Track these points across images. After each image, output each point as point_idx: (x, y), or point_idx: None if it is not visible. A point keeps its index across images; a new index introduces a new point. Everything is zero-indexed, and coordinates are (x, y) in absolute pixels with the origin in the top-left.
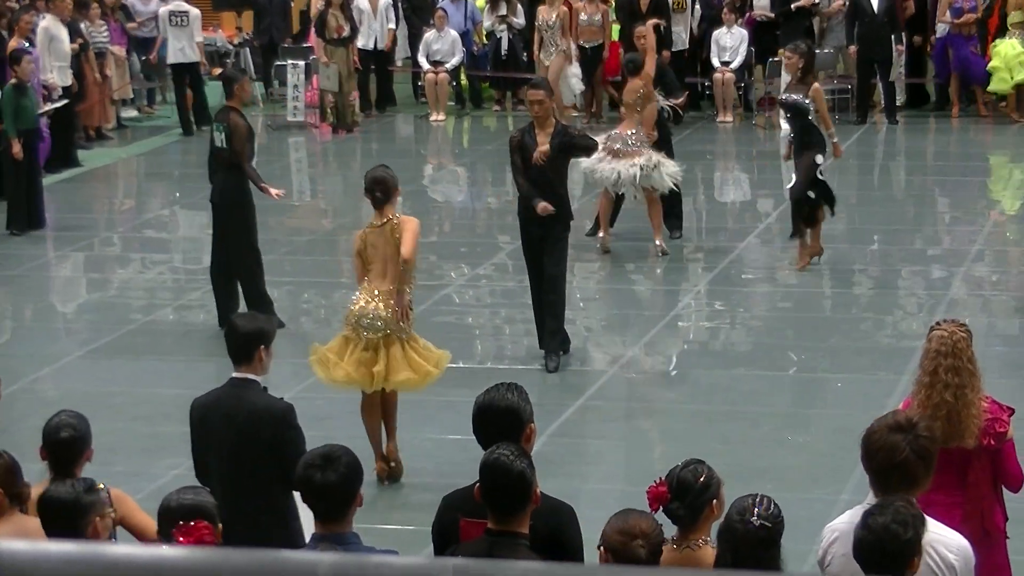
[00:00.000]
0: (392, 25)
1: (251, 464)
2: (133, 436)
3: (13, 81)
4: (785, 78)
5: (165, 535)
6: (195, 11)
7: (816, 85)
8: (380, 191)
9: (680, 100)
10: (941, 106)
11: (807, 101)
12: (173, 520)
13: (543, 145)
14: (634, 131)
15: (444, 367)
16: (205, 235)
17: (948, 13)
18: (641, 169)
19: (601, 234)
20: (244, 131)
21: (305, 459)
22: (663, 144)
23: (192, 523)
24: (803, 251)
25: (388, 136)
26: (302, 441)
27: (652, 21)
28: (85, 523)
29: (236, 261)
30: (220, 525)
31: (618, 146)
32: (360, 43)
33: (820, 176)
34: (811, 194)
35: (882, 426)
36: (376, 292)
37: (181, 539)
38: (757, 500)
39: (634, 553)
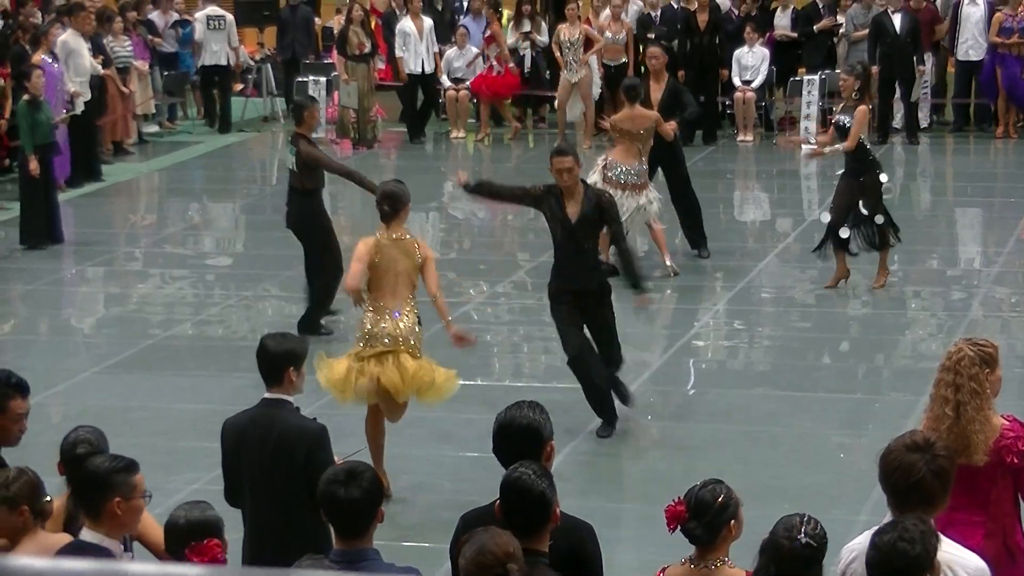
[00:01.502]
0: (436, 48)
1: (282, 484)
2: (151, 451)
3: (27, 97)
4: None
5: (172, 552)
6: (230, 16)
7: (862, 107)
8: (388, 204)
9: (672, 125)
10: (960, 127)
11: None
12: (181, 537)
13: (572, 216)
14: (639, 164)
15: (455, 384)
16: (224, 250)
17: (999, 32)
18: (642, 209)
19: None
20: (310, 159)
21: (328, 475)
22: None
23: (204, 542)
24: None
25: (408, 153)
26: (333, 463)
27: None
28: (104, 498)
29: (316, 275)
30: (227, 537)
31: (630, 179)
32: (410, 67)
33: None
34: (879, 219)
35: (899, 445)
36: (386, 309)
37: (195, 559)
38: (804, 519)
39: None
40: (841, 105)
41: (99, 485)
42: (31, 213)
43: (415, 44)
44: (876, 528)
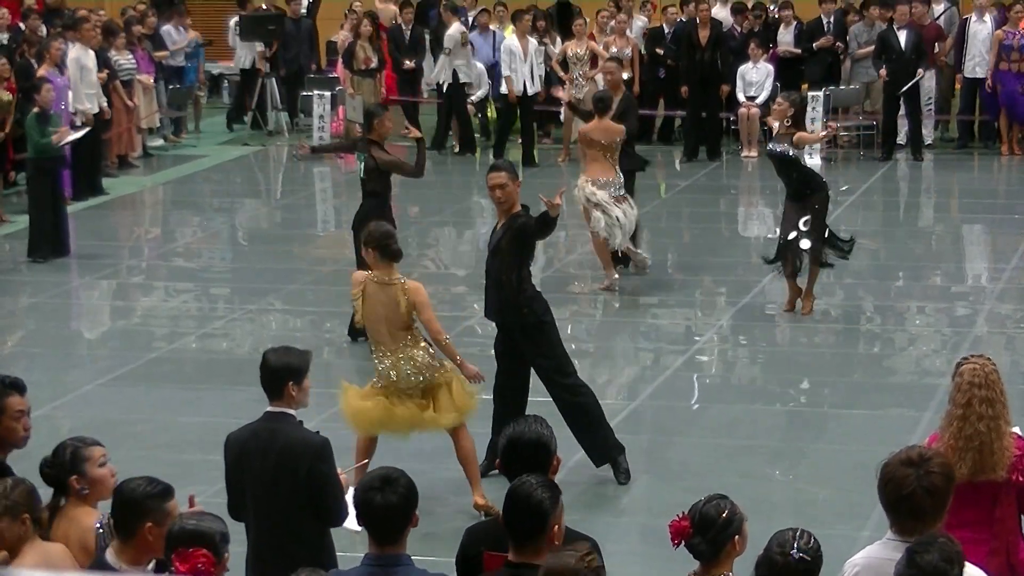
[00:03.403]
0: (542, 72)
1: (285, 498)
2: (155, 464)
3: (36, 110)
4: (775, 127)
5: (169, 560)
6: None
7: (803, 134)
8: (395, 245)
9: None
10: (965, 143)
11: (791, 152)
12: (171, 543)
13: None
14: (616, 176)
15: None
16: (228, 264)
17: (1000, 50)
18: (616, 220)
19: (608, 274)
20: (385, 164)
21: (363, 482)
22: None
23: (190, 550)
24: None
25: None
26: (336, 476)
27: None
28: (137, 523)
29: None
30: (226, 555)
31: (618, 193)
32: (518, 89)
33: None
34: (805, 243)
35: (896, 459)
36: (397, 356)
37: (177, 564)
38: (798, 534)
39: None
40: (776, 132)
41: (133, 509)
42: (38, 226)
43: (520, 64)
44: (908, 547)
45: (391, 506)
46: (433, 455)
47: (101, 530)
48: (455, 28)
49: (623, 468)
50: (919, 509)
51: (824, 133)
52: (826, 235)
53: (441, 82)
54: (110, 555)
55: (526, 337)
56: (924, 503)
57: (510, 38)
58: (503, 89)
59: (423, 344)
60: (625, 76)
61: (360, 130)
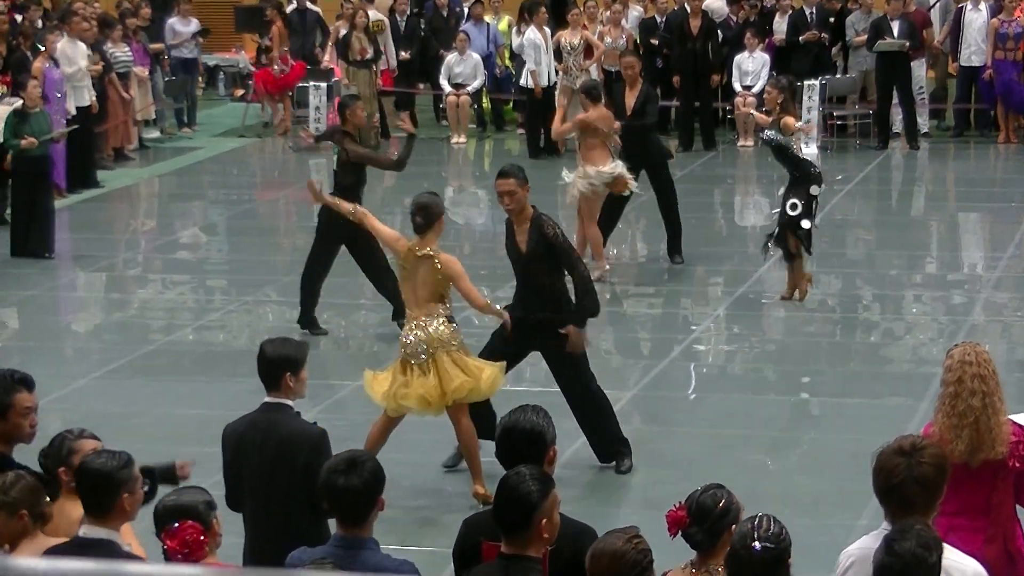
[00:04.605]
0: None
1: (283, 489)
2: (152, 457)
3: (16, 106)
4: (760, 119)
5: (160, 540)
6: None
7: (787, 118)
8: (422, 216)
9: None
10: (961, 132)
11: (781, 138)
12: (159, 522)
13: (522, 245)
14: (613, 161)
15: (502, 372)
16: (224, 256)
17: (996, 39)
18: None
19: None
20: (357, 156)
21: (329, 464)
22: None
23: (176, 524)
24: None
25: (413, 158)
26: None
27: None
28: (115, 498)
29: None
30: (215, 519)
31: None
32: (543, 80)
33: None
34: (806, 223)
35: (888, 448)
36: (414, 319)
37: (168, 543)
38: (756, 523)
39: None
40: (770, 119)
41: (108, 483)
42: (19, 225)
43: (543, 56)
44: (885, 535)
45: (353, 489)
46: (435, 446)
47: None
48: (531, 33)
49: (625, 468)
50: (908, 499)
51: (805, 125)
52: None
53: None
54: (88, 529)
55: (559, 336)
56: (914, 493)
57: (530, 31)
58: (528, 83)
59: (444, 320)
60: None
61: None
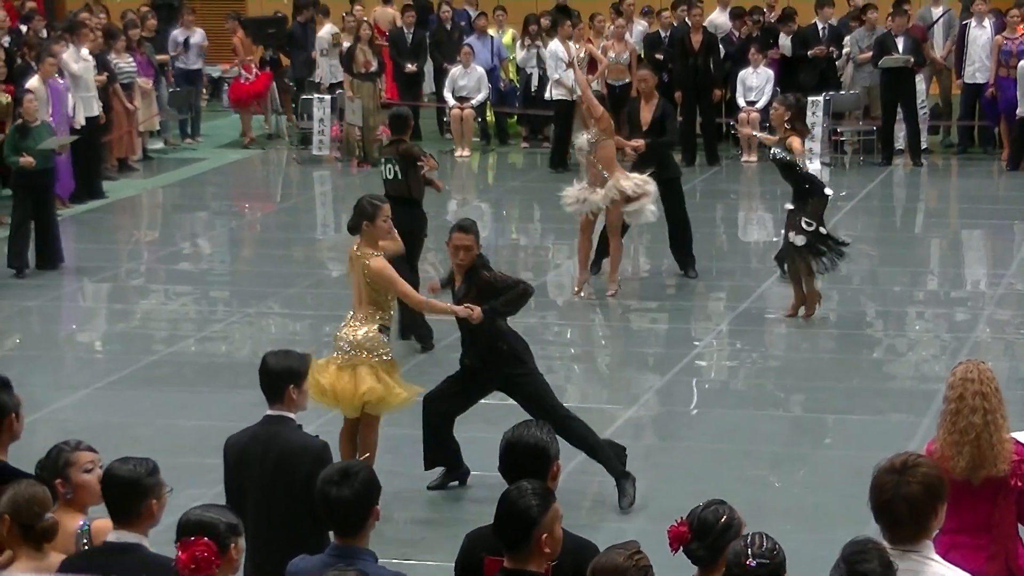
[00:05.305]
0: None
1: (284, 501)
2: None
3: (19, 121)
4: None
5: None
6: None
7: (793, 139)
8: (352, 217)
9: (639, 142)
10: (965, 148)
11: (787, 156)
12: (180, 535)
13: (463, 307)
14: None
15: (414, 396)
16: (227, 267)
17: (999, 56)
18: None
19: (611, 286)
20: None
21: (323, 475)
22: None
23: (192, 539)
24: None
25: None
26: None
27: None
28: (144, 504)
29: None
30: (234, 544)
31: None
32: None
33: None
34: (800, 240)
35: (884, 466)
36: (349, 317)
37: (180, 554)
38: (750, 541)
39: None
40: (777, 138)
41: (135, 490)
42: (17, 236)
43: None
44: (843, 556)
45: (345, 500)
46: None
47: (84, 537)
48: (326, 30)
49: (628, 495)
50: (896, 517)
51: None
52: (825, 240)
53: (319, 81)
54: (115, 535)
55: (508, 367)
56: (901, 511)
57: (553, 43)
58: (554, 95)
59: (375, 327)
60: (626, 80)
61: (358, 133)
